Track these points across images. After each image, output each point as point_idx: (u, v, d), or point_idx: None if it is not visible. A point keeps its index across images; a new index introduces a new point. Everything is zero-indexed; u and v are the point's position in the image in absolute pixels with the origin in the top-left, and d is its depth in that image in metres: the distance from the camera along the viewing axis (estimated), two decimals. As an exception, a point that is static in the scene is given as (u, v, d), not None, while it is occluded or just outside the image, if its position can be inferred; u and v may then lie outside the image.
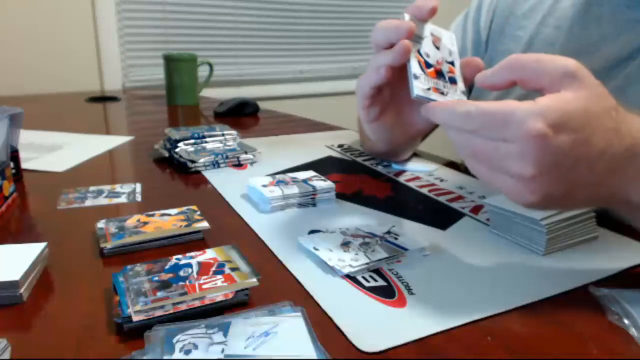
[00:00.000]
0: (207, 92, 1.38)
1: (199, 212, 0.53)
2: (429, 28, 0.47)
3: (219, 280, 0.38)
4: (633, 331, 0.36)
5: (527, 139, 0.33)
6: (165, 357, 0.30)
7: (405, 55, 0.43)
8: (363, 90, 0.48)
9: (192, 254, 0.43)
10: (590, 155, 0.35)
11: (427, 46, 0.46)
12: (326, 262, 0.44)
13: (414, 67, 0.43)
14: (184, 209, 0.54)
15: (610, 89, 0.58)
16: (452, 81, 0.46)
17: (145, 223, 0.50)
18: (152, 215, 0.52)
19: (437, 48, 0.46)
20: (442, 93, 0.44)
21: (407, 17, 0.45)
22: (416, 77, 0.43)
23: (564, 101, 0.34)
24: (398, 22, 0.44)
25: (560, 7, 0.65)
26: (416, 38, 0.45)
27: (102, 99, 1.39)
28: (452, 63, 0.47)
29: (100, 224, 0.50)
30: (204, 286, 0.38)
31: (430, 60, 0.45)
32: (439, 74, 0.45)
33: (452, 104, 0.39)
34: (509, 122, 0.34)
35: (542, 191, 0.35)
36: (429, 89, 0.43)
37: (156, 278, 0.38)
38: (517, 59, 0.37)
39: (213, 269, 0.40)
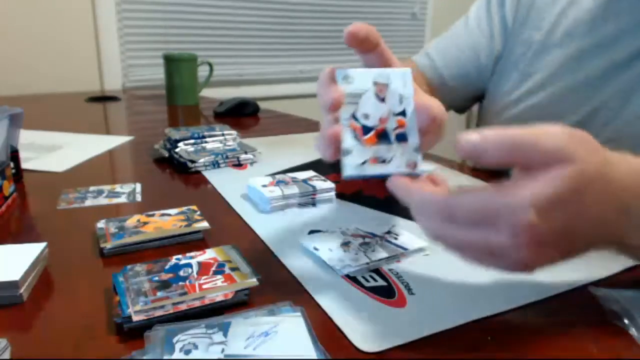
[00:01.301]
0: (207, 92, 1.38)
1: (198, 212, 0.53)
2: (371, 75, 0.39)
3: (219, 280, 0.38)
4: (633, 331, 0.36)
5: (519, 231, 0.31)
6: (165, 357, 0.30)
7: (331, 146, 0.38)
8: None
9: (192, 254, 0.43)
10: (582, 223, 0.34)
11: (366, 104, 0.38)
12: (326, 262, 0.44)
13: (346, 140, 0.37)
14: (183, 209, 0.54)
15: (628, 79, 0.58)
16: (401, 138, 0.38)
17: (145, 223, 0.50)
18: (152, 215, 0.52)
19: (382, 100, 0.39)
20: (384, 161, 0.38)
21: (339, 74, 0.38)
22: (347, 153, 0.37)
23: (553, 185, 0.32)
24: (322, 90, 0.38)
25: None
26: (350, 98, 0.38)
27: (102, 98, 1.39)
28: (403, 113, 0.39)
29: (100, 224, 0.50)
30: (204, 286, 0.38)
31: (370, 122, 0.38)
32: (382, 136, 0.38)
33: (428, 195, 0.34)
34: (499, 216, 0.32)
35: (539, 265, 0.34)
36: (364, 162, 0.37)
37: (156, 278, 0.38)
38: (513, 141, 0.32)
39: (213, 269, 0.40)
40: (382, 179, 0.38)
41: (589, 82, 0.62)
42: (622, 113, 0.59)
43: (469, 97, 0.83)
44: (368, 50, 0.39)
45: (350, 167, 0.37)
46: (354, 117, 0.38)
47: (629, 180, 0.35)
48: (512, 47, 0.73)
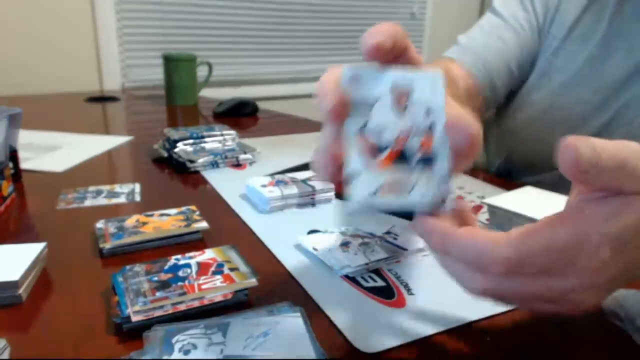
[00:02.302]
0: (206, 92, 1.37)
1: (198, 212, 0.53)
2: (389, 78, 0.29)
3: (218, 281, 0.38)
4: (632, 331, 0.36)
5: (590, 273, 0.27)
6: (164, 358, 0.30)
7: (333, 171, 0.31)
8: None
9: (191, 254, 0.43)
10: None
11: (380, 115, 0.29)
12: (325, 262, 0.44)
13: (351, 161, 0.29)
14: (183, 209, 0.54)
15: None
16: (426, 163, 0.29)
17: (145, 223, 0.50)
18: (151, 215, 0.52)
19: (403, 111, 0.29)
20: (402, 191, 0.29)
21: (347, 73, 0.30)
22: (353, 178, 0.28)
23: (630, 215, 0.26)
24: (323, 93, 0.30)
25: (614, 23, 0.64)
26: (360, 106, 0.29)
27: (102, 99, 1.38)
28: (429, 129, 0.29)
29: (100, 224, 0.50)
30: (203, 286, 0.37)
31: (385, 139, 0.29)
32: (400, 158, 0.29)
33: (484, 245, 0.27)
34: (577, 256, 0.26)
35: (598, 304, 0.30)
36: (375, 191, 0.28)
37: (155, 278, 0.38)
38: (623, 168, 0.26)
39: (212, 269, 0.40)
40: (398, 214, 0.29)
41: (615, 81, 0.61)
42: None
43: (501, 97, 0.75)
44: (394, 60, 0.31)
45: (358, 197, 0.28)
46: (363, 131, 0.29)
47: None
48: (556, 55, 0.69)
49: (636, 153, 0.26)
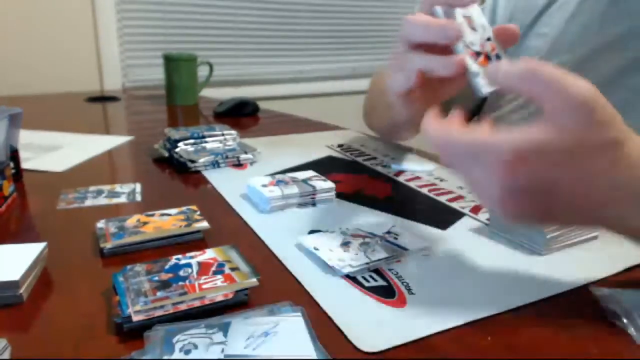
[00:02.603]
0: (206, 92, 1.37)
1: (198, 212, 0.53)
2: (460, 12, 0.44)
3: (218, 280, 0.38)
4: (632, 331, 0.36)
5: (493, 167, 0.35)
6: (164, 357, 0.30)
7: (459, 70, 0.42)
8: (393, 91, 0.49)
9: (192, 253, 0.43)
10: (569, 189, 0.36)
11: (467, 34, 0.43)
12: (326, 262, 0.44)
13: (472, 66, 0.42)
14: (183, 208, 0.54)
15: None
16: (498, 58, 0.44)
17: (145, 223, 0.50)
18: (152, 215, 0.52)
19: (474, 29, 0.44)
20: None
21: (439, 10, 0.44)
22: (476, 75, 0.42)
23: (543, 139, 0.34)
24: (444, 23, 0.43)
25: (588, 4, 0.66)
26: None
27: (102, 99, 1.39)
28: (489, 39, 0.44)
29: (100, 224, 0.50)
30: (204, 286, 0.38)
31: (476, 48, 0.43)
32: (488, 58, 0.43)
33: (442, 131, 0.38)
34: (481, 152, 0.36)
35: (512, 210, 0.37)
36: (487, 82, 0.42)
37: (156, 278, 0.38)
38: (539, 74, 0.35)
39: (213, 269, 0.40)
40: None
41: (600, 84, 0.62)
42: (637, 111, 0.59)
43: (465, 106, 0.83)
44: None
45: (486, 85, 0.41)
46: (465, 45, 0.43)
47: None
48: (514, 55, 0.73)
49: (557, 73, 0.35)
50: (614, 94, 0.60)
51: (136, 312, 0.34)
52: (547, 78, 0.35)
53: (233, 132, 0.80)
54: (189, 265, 0.41)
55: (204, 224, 0.50)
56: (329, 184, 0.60)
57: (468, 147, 0.37)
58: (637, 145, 0.37)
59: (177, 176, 0.70)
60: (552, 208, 0.37)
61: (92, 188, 0.63)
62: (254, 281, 0.39)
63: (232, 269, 0.40)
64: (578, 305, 0.40)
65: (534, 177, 0.35)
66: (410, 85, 0.46)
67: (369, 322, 0.37)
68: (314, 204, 0.59)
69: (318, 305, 0.38)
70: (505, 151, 0.34)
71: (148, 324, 0.34)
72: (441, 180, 0.69)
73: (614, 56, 0.61)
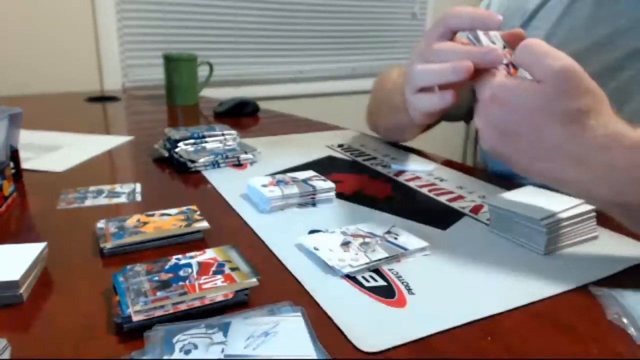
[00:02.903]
0: (206, 92, 1.37)
1: (198, 212, 0.53)
2: (480, 31, 0.49)
3: (218, 280, 0.38)
4: (632, 331, 0.36)
5: (481, 101, 0.45)
6: (165, 357, 0.30)
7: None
8: (424, 110, 0.55)
9: (192, 253, 0.43)
10: (529, 142, 0.44)
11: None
12: (326, 262, 0.44)
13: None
14: (183, 208, 0.54)
15: (625, 79, 0.60)
16: (514, 67, 0.47)
17: (145, 223, 0.50)
18: (152, 215, 0.52)
19: (494, 43, 0.49)
20: None
21: (470, 36, 0.50)
22: None
23: (519, 90, 0.43)
24: (485, 50, 0.47)
25: (575, 7, 0.66)
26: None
27: (102, 98, 1.39)
28: (504, 46, 0.49)
29: (100, 224, 0.50)
30: (204, 286, 0.38)
31: (505, 61, 0.47)
32: (514, 66, 0.47)
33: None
34: (480, 87, 0.46)
35: (487, 142, 0.46)
36: None
37: (156, 278, 0.38)
38: (529, 46, 0.43)
39: (213, 269, 0.40)
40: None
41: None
42: (622, 112, 0.59)
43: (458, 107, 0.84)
44: None
45: None
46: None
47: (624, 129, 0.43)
48: None
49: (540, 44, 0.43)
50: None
51: (136, 312, 0.34)
52: (534, 49, 0.43)
53: (233, 132, 0.80)
54: (189, 265, 0.41)
55: (204, 224, 0.50)
56: (329, 184, 0.60)
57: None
58: (607, 122, 0.42)
59: (177, 176, 0.70)
60: (518, 151, 0.45)
61: (92, 188, 0.63)
62: (254, 281, 0.39)
63: (232, 269, 0.40)
64: (578, 305, 0.40)
65: (502, 117, 0.44)
66: (446, 105, 0.51)
67: (369, 322, 0.37)
68: (314, 204, 0.59)
69: (318, 305, 0.38)
70: (487, 89, 0.44)
71: (148, 324, 0.34)
72: (441, 180, 0.69)
73: (600, 57, 0.61)
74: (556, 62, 0.42)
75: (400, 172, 0.72)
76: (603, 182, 0.42)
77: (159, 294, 0.36)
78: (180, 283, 0.38)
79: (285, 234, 0.51)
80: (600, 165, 0.42)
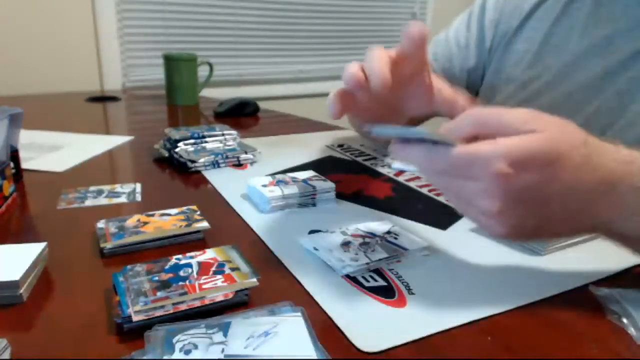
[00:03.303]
0: (207, 92, 1.37)
1: (199, 212, 0.53)
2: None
3: (219, 280, 0.38)
4: (632, 330, 0.36)
5: (491, 178, 0.35)
6: (165, 357, 0.30)
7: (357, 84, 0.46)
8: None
9: (192, 254, 0.43)
10: (559, 192, 0.36)
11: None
12: (326, 262, 0.44)
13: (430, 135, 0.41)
14: (184, 209, 0.54)
15: (626, 80, 0.59)
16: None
17: (145, 223, 0.50)
18: (152, 215, 0.52)
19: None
20: None
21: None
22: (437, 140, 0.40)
23: (526, 141, 0.35)
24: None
25: (573, 7, 0.66)
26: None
27: (102, 98, 1.39)
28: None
29: (100, 224, 0.50)
30: (204, 286, 0.38)
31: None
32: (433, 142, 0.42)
33: (422, 148, 0.38)
34: (474, 164, 0.35)
35: (510, 224, 0.37)
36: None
37: (156, 278, 0.38)
38: (479, 116, 0.37)
39: (213, 269, 0.40)
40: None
41: (586, 87, 0.62)
42: (623, 114, 0.59)
43: None
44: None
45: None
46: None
47: (614, 164, 0.37)
48: (501, 60, 0.74)
49: (488, 110, 0.37)
50: (601, 95, 0.61)
51: (136, 312, 0.34)
52: (491, 117, 0.37)
53: (233, 132, 0.80)
54: (189, 265, 0.41)
55: (204, 224, 0.50)
56: (329, 184, 0.60)
57: (461, 158, 0.36)
58: (609, 152, 0.38)
59: (177, 176, 0.70)
60: (546, 222, 0.38)
61: (92, 188, 0.63)
62: (254, 281, 0.39)
63: (233, 269, 0.40)
64: (578, 305, 0.40)
65: (529, 186, 0.35)
66: (333, 115, 0.47)
67: (369, 322, 0.37)
68: (314, 204, 0.59)
69: (318, 305, 0.38)
70: (498, 159, 0.34)
71: (148, 324, 0.34)
72: (441, 180, 0.69)
73: (600, 59, 0.61)
74: (518, 114, 0.36)
75: (400, 172, 0.72)
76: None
77: (159, 294, 0.36)
78: (181, 283, 0.38)
79: (285, 234, 0.51)
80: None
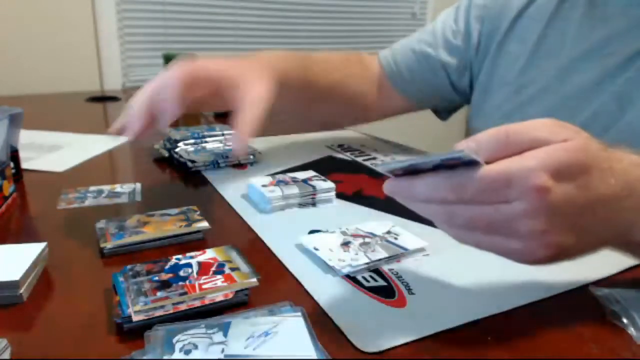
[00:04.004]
0: (207, 92, 1.37)
1: (198, 212, 0.53)
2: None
3: (219, 280, 0.38)
4: (632, 330, 0.36)
5: (532, 194, 0.31)
6: (165, 357, 0.30)
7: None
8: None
9: (192, 254, 0.43)
10: (592, 199, 0.34)
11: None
12: (326, 262, 0.44)
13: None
14: (184, 209, 0.54)
15: (624, 82, 0.58)
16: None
17: (146, 223, 0.50)
18: (152, 215, 0.52)
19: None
20: None
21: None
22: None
23: (559, 150, 0.32)
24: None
25: (564, 7, 0.65)
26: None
27: (102, 98, 1.39)
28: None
29: (100, 224, 0.50)
30: (204, 286, 0.38)
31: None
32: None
33: (440, 177, 0.34)
34: (511, 183, 0.31)
35: (555, 243, 0.33)
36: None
37: (156, 278, 0.38)
38: (507, 133, 0.33)
39: (213, 269, 0.40)
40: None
41: (583, 90, 0.61)
42: (622, 116, 0.58)
43: (444, 99, 0.82)
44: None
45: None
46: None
47: (631, 168, 0.36)
48: (495, 61, 0.73)
49: (514, 125, 0.34)
50: (598, 99, 0.60)
51: (136, 312, 0.34)
52: (509, 132, 0.33)
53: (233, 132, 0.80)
54: (189, 265, 0.41)
55: (204, 224, 0.50)
56: (329, 184, 0.60)
57: (497, 179, 0.32)
58: (624, 157, 0.37)
59: (177, 176, 0.70)
60: (582, 234, 0.35)
61: (92, 188, 0.63)
62: (254, 281, 0.39)
63: (233, 269, 0.40)
64: (578, 305, 0.40)
65: (571, 199, 0.32)
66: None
67: (369, 322, 0.37)
68: (314, 204, 0.59)
69: (318, 305, 0.39)
70: (536, 173, 0.31)
71: (148, 324, 0.34)
72: (441, 180, 0.69)
73: (598, 63, 0.60)
74: (544, 125, 0.35)
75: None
76: None
77: (159, 294, 0.36)
78: (181, 283, 0.38)
79: (285, 234, 0.51)
80: None
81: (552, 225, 0.32)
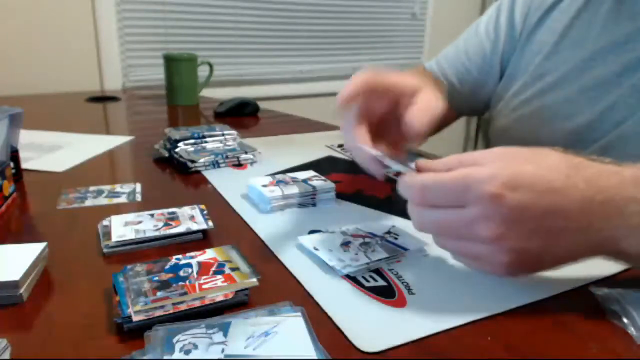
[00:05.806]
0: (207, 92, 1.37)
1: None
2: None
3: (219, 280, 0.38)
4: (632, 330, 0.36)
5: (486, 199, 0.35)
6: (165, 357, 0.30)
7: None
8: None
9: (192, 253, 0.43)
10: (557, 203, 0.35)
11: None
12: (326, 262, 0.44)
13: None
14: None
15: None
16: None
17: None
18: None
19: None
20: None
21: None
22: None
23: (515, 164, 0.36)
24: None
25: (593, 2, 0.66)
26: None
27: (102, 98, 1.39)
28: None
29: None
30: (204, 286, 0.38)
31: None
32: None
33: (408, 179, 0.40)
34: (470, 188, 0.36)
35: (513, 247, 0.36)
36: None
37: (156, 278, 0.38)
38: (458, 157, 0.39)
39: (213, 269, 0.40)
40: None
41: (602, 82, 0.62)
42: (639, 110, 0.59)
43: (481, 101, 0.84)
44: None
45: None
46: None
47: (620, 187, 0.36)
48: (523, 50, 0.74)
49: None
50: (616, 91, 0.61)
51: (136, 312, 0.34)
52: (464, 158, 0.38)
53: (233, 132, 0.80)
54: (189, 265, 0.41)
55: (204, 224, 0.50)
56: (329, 184, 0.60)
57: (452, 184, 0.37)
58: (611, 176, 0.37)
59: (177, 176, 0.70)
60: (549, 240, 0.36)
61: (92, 188, 0.63)
62: (254, 281, 0.39)
63: (233, 269, 0.40)
64: (578, 305, 0.40)
65: (521, 204, 0.35)
66: None
67: (369, 322, 0.37)
68: (314, 204, 0.59)
69: (318, 305, 0.39)
70: (489, 181, 0.35)
71: (148, 324, 0.34)
72: (441, 180, 0.69)
73: (619, 57, 0.61)
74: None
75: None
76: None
77: (159, 294, 0.36)
78: (181, 283, 0.38)
79: (285, 234, 0.51)
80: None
81: (509, 229, 0.35)
